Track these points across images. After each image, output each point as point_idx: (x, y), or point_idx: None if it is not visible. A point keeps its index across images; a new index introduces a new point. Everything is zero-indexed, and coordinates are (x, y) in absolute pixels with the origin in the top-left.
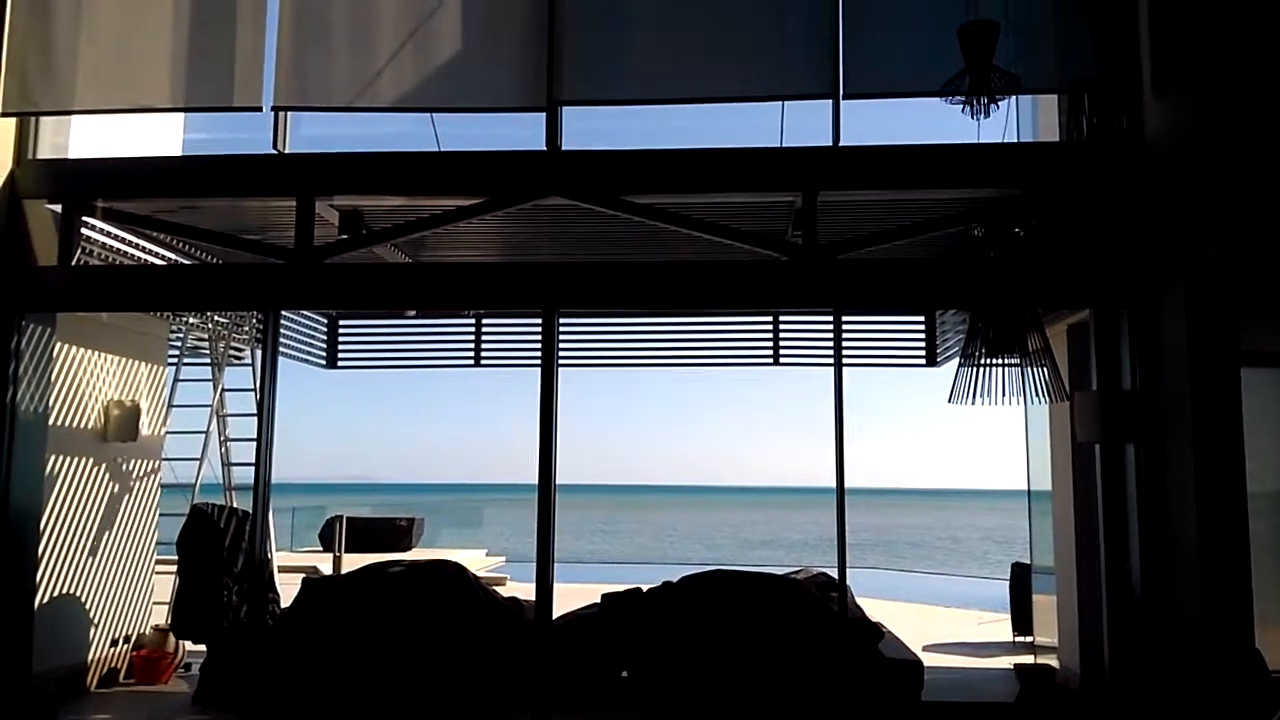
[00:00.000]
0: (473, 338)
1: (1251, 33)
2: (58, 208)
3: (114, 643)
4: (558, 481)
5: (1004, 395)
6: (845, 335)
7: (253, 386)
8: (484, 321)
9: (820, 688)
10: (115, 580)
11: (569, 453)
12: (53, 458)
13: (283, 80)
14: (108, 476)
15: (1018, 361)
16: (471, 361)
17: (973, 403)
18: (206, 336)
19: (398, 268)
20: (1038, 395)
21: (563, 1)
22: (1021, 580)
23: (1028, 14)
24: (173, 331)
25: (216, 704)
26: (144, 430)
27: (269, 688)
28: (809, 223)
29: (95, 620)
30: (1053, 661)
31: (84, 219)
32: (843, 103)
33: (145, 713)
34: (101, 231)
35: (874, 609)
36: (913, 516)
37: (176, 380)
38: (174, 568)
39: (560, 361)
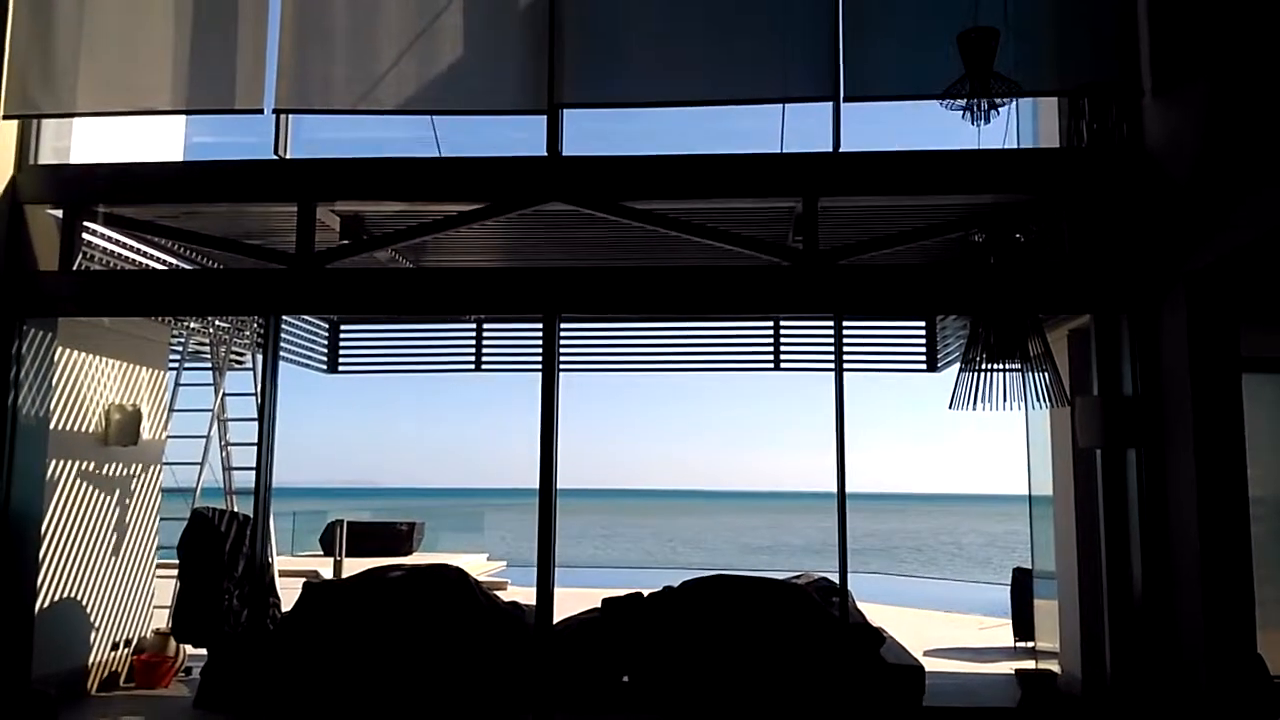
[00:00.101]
0: (474, 343)
1: (1252, 37)
2: (59, 213)
3: (115, 646)
4: (559, 486)
5: (1005, 400)
6: (846, 340)
7: (254, 391)
8: (485, 326)
9: (821, 693)
10: (116, 584)
11: (570, 457)
12: (54, 462)
13: (284, 83)
14: (109, 481)
15: (1019, 367)
16: (472, 366)
17: (974, 408)
18: (208, 341)
19: (399, 273)
20: (1039, 400)
21: (563, 4)
22: (1023, 585)
23: (1028, 20)
24: (174, 336)
25: (217, 708)
26: (145, 434)
27: (269, 692)
28: (810, 228)
29: (96, 624)
30: (1054, 667)
31: (85, 224)
32: (843, 107)
33: (145, 717)
34: (103, 236)
35: (875, 614)
36: (914, 521)
37: (177, 384)
38: (175, 572)
39: (561, 366)
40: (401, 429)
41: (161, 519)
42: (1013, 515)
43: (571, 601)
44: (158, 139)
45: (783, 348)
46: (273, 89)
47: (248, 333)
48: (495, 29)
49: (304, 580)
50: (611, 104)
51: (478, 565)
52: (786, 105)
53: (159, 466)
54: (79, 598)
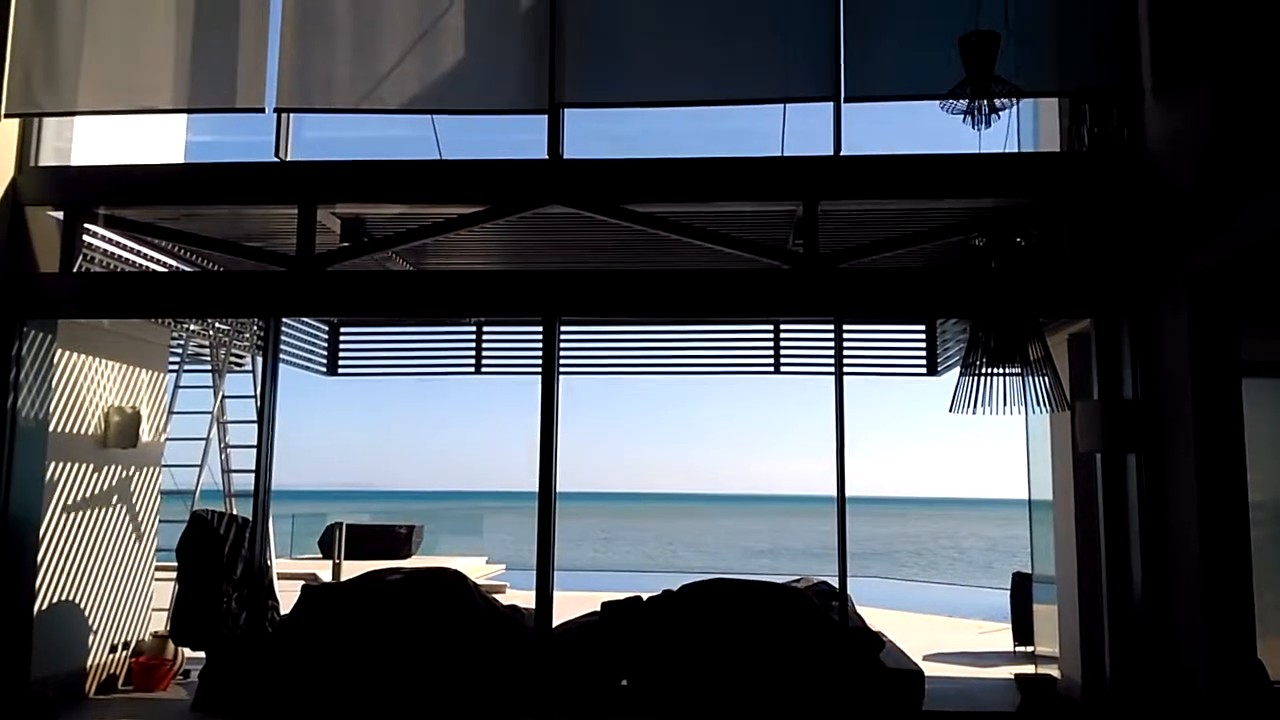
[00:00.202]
0: (473, 345)
1: (1253, 40)
2: (60, 214)
3: (113, 649)
4: (558, 489)
5: (1005, 405)
6: (846, 344)
7: (253, 393)
8: (485, 329)
9: (821, 697)
10: (114, 586)
11: (569, 460)
12: (53, 464)
13: (285, 82)
14: (108, 483)
15: (1019, 371)
16: (472, 369)
17: (974, 412)
18: (207, 343)
19: (399, 275)
20: (1039, 405)
21: (565, 4)
22: (1022, 590)
23: (1029, 23)
24: (174, 338)
25: (215, 711)
26: (144, 437)
27: (268, 695)
28: (810, 232)
29: (94, 626)
30: (1054, 672)
31: (86, 225)
32: (845, 109)
33: (144, 719)
34: (103, 238)
35: (875, 618)
36: (913, 525)
37: (177, 387)
38: (173, 574)
39: (561, 370)
40: (401, 432)
41: (160, 521)
42: (1013, 520)
43: (571, 605)
44: (158, 140)
45: (783, 351)
46: (274, 88)
47: (247, 335)
48: (497, 29)
49: (303, 583)
50: (613, 104)
51: (477, 568)
52: (787, 105)
53: (158, 469)
54: (78, 600)
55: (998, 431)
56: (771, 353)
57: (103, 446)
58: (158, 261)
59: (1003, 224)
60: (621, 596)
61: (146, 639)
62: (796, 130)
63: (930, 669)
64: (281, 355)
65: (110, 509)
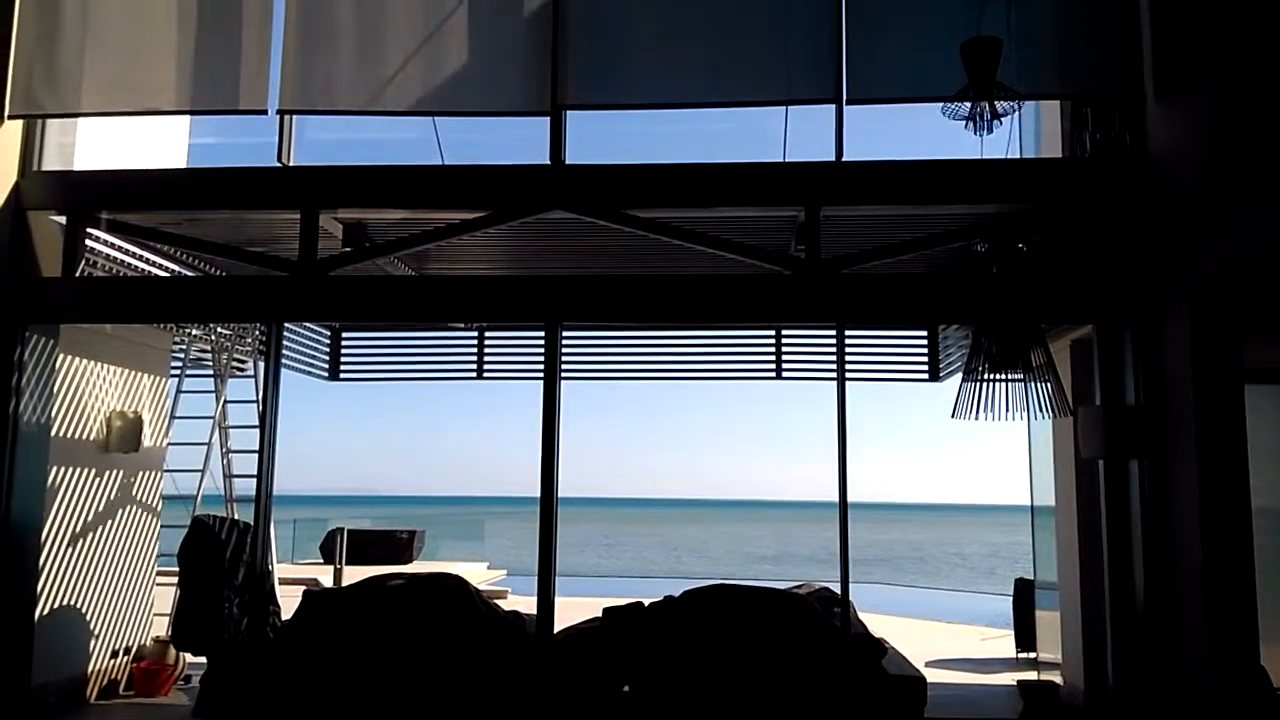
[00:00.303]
0: (475, 350)
1: (1255, 45)
2: (62, 219)
3: (114, 654)
4: (560, 494)
5: (1007, 410)
6: (848, 350)
7: (255, 398)
8: (486, 334)
9: (823, 704)
10: (116, 592)
11: (571, 465)
12: (54, 468)
13: (288, 84)
14: (109, 488)
15: (1021, 377)
16: (474, 374)
17: (976, 418)
18: (209, 348)
19: (401, 280)
20: (1041, 411)
21: (567, 7)
22: (1025, 596)
23: (1030, 27)
24: (176, 343)
25: (216, 716)
26: (146, 441)
27: (269, 701)
28: (812, 237)
29: (95, 632)
30: (1056, 678)
31: (88, 230)
32: (846, 112)
33: None
34: (106, 243)
35: (877, 624)
36: (916, 531)
37: (179, 392)
38: (175, 579)
39: (563, 374)
40: (402, 437)
41: (162, 526)
42: (1015, 526)
43: (573, 611)
44: (161, 142)
45: (785, 357)
46: (277, 90)
47: (249, 340)
48: (499, 31)
49: (304, 588)
50: (614, 106)
51: (478, 574)
52: (789, 108)
53: (160, 473)
54: (79, 605)
55: (1000, 437)
56: (773, 358)
57: (104, 451)
58: (160, 266)
59: (1005, 230)
60: (623, 602)
61: (148, 644)
62: (799, 130)
63: (932, 675)
64: (283, 360)
65: (112, 514)
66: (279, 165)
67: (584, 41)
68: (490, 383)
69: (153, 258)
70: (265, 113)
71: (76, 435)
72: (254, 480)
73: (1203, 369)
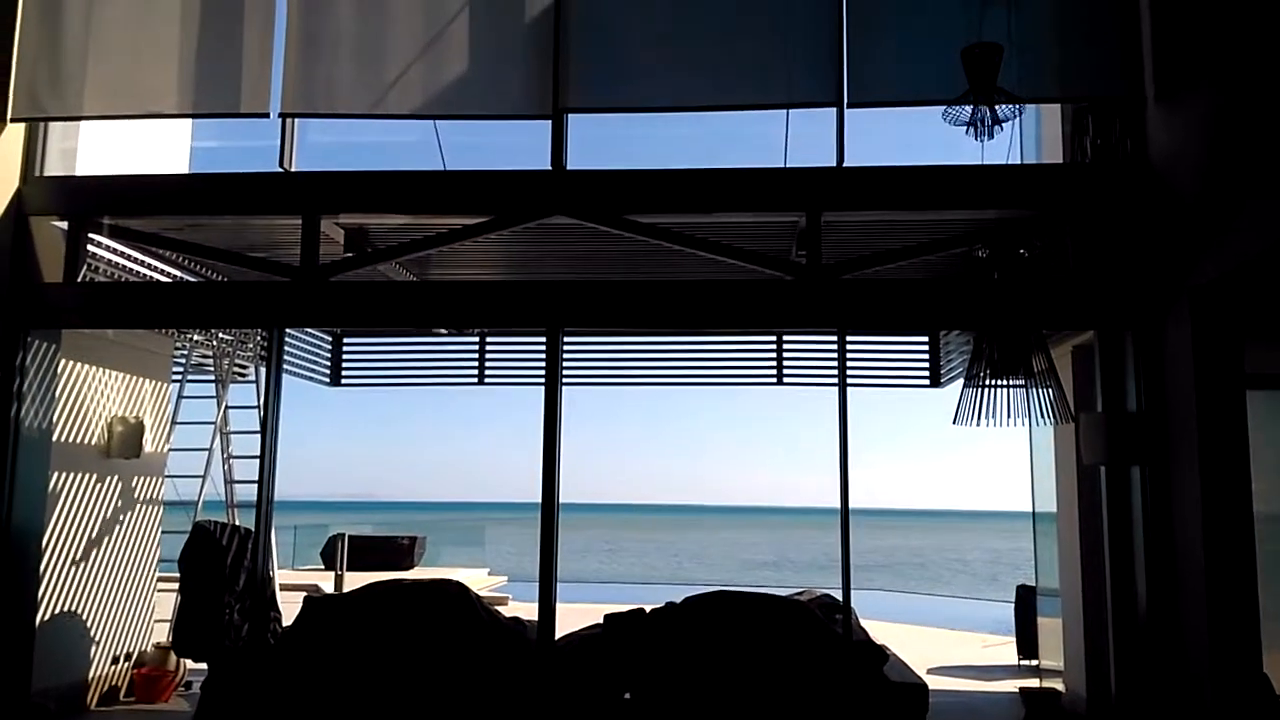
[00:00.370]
0: (476, 356)
1: (1255, 47)
2: (64, 224)
3: (115, 660)
4: (561, 500)
5: (1009, 417)
6: (849, 355)
7: (256, 404)
8: (488, 340)
9: (824, 711)
10: (116, 597)
11: (572, 471)
12: (56, 474)
13: (290, 87)
14: (110, 493)
15: (1022, 383)
16: (475, 380)
17: (977, 424)
18: (211, 354)
19: (403, 286)
20: (1042, 417)
21: (569, 10)
22: (1026, 603)
23: (1031, 31)
24: (177, 348)
25: None
26: (147, 447)
27: (270, 707)
28: (813, 243)
29: (96, 638)
30: (1058, 685)
31: (90, 236)
32: (847, 116)
33: None
34: (108, 248)
35: (878, 631)
36: (917, 538)
37: (180, 397)
38: (176, 585)
39: (564, 380)
40: (403, 442)
41: (163, 532)
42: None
43: (574, 617)
44: (163, 146)
45: (785, 362)
46: (279, 93)
47: (251, 346)
48: (500, 35)
49: (305, 594)
50: (615, 109)
51: (479, 580)
52: (790, 112)
53: (161, 479)
54: (79, 611)
55: (1002, 443)
56: (774, 364)
57: (106, 456)
58: (162, 272)
59: (1006, 235)
60: (624, 609)
61: (148, 650)
62: (800, 136)
63: (934, 682)
64: (285, 366)
65: (112, 519)
66: (281, 170)
67: (585, 45)
68: (491, 388)
69: (154, 263)
70: (267, 116)
71: (78, 440)
72: (255, 486)
73: (1204, 375)
